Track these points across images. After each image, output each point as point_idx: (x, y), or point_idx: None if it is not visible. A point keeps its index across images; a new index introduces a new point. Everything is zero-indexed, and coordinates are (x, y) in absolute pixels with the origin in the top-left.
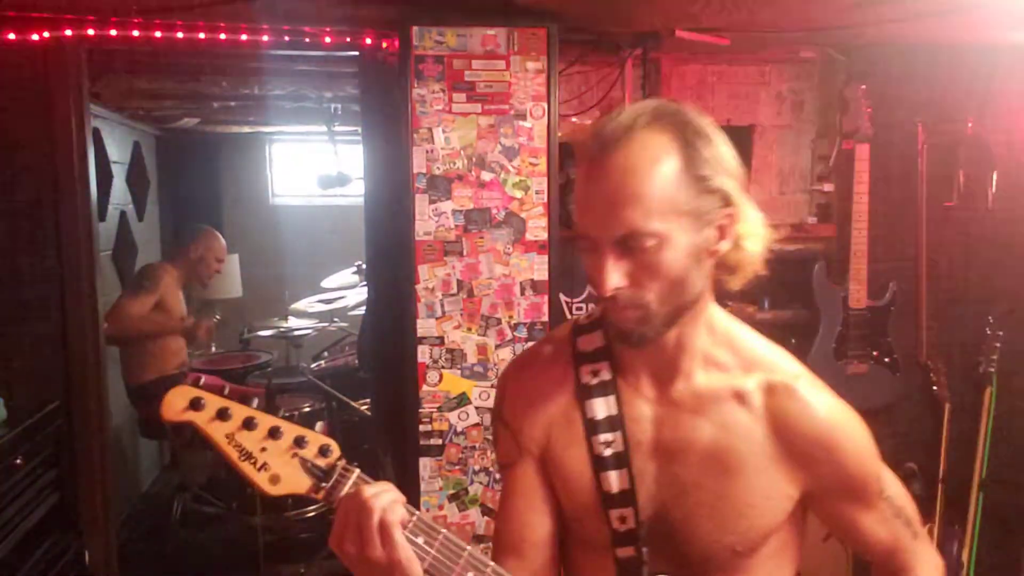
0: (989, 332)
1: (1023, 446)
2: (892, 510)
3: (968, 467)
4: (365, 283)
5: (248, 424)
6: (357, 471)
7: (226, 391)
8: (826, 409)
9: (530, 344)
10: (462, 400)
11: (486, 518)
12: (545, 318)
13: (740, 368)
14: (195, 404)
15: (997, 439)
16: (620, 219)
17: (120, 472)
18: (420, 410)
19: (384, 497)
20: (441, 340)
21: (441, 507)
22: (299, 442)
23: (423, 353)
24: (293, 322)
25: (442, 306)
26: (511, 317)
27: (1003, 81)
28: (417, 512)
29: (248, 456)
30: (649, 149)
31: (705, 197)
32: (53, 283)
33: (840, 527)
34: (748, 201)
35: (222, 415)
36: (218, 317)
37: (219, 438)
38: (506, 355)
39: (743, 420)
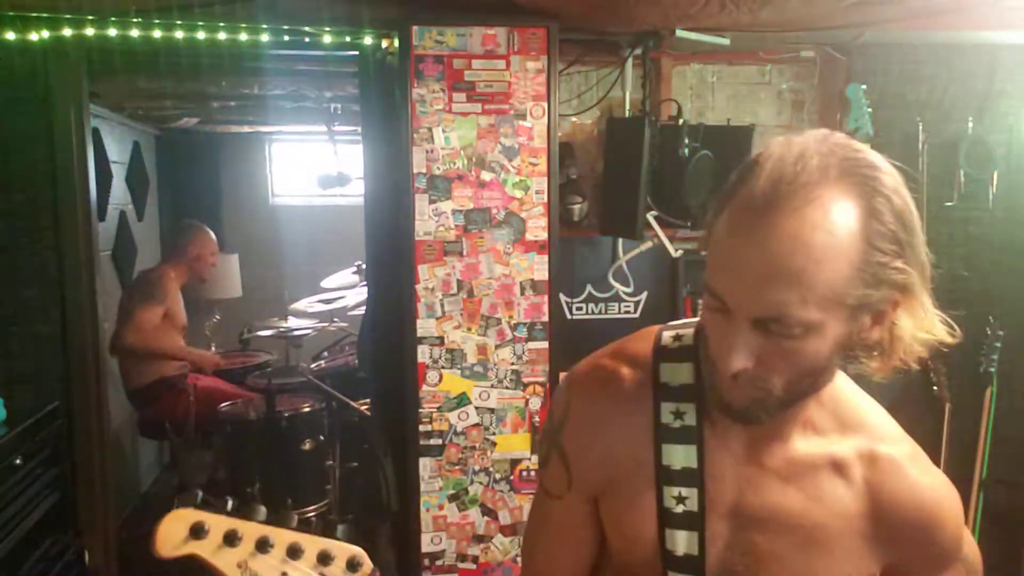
0: (989, 332)
1: (1023, 446)
2: (966, 569)
3: (968, 467)
4: (365, 283)
5: (262, 546)
6: None
7: (229, 507)
8: (931, 489)
9: (601, 360)
10: (462, 400)
11: (486, 518)
12: (545, 318)
13: (837, 430)
14: (197, 531)
15: (997, 439)
16: (771, 299)
17: (120, 472)
18: (420, 410)
19: None
20: (441, 340)
21: (441, 507)
22: (323, 558)
23: (423, 353)
24: (293, 322)
25: (442, 306)
26: (511, 317)
27: (1004, 80)
28: None
29: None
30: (829, 220)
31: (877, 287)
32: (53, 283)
33: None
34: (924, 290)
35: (230, 540)
36: (217, 318)
37: (231, 570)
38: (506, 355)
39: (839, 494)
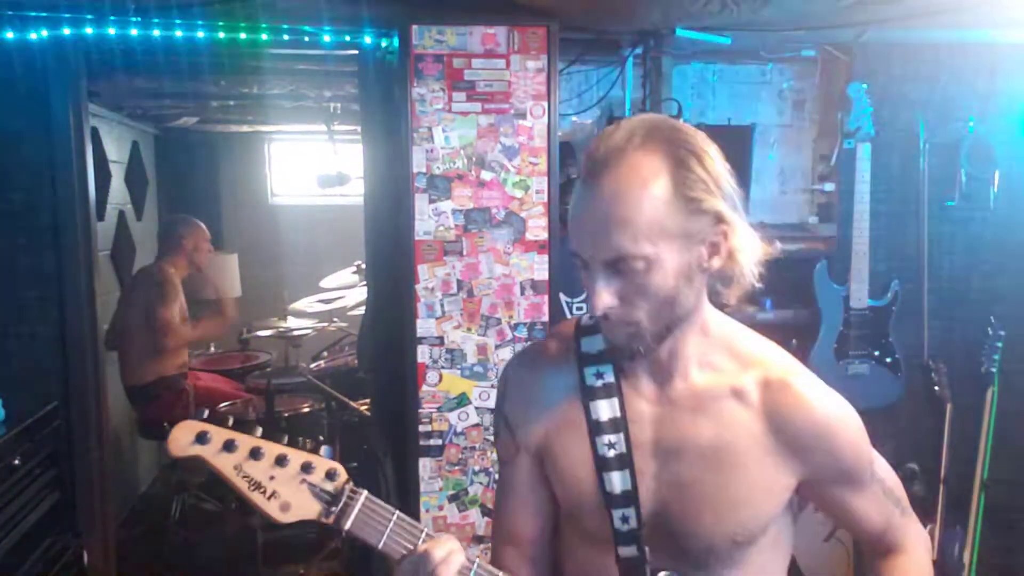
0: (991, 332)
1: None
2: (883, 491)
3: (970, 467)
4: (365, 283)
5: (255, 454)
6: (365, 493)
7: (230, 422)
8: (821, 401)
9: (533, 341)
10: (462, 400)
11: (486, 519)
12: (545, 318)
13: (737, 367)
14: (201, 438)
15: (999, 439)
16: (609, 243)
17: (119, 472)
18: (420, 410)
19: (439, 551)
20: (441, 340)
21: (441, 507)
22: (306, 468)
23: (423, 353)
24: (292, 322)
25: (442, 306)
26: (511, 317)
27: (1005, 80)
28: (477, 560)
29: (257, 486)
30: (640, 172)
31: (696, 218)
32: (52, 283)
33: (834, 510)
34: (741, 217)
35: (228, 447)
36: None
37: (227, 470)
38: (506, 355)
39: (741, 416)
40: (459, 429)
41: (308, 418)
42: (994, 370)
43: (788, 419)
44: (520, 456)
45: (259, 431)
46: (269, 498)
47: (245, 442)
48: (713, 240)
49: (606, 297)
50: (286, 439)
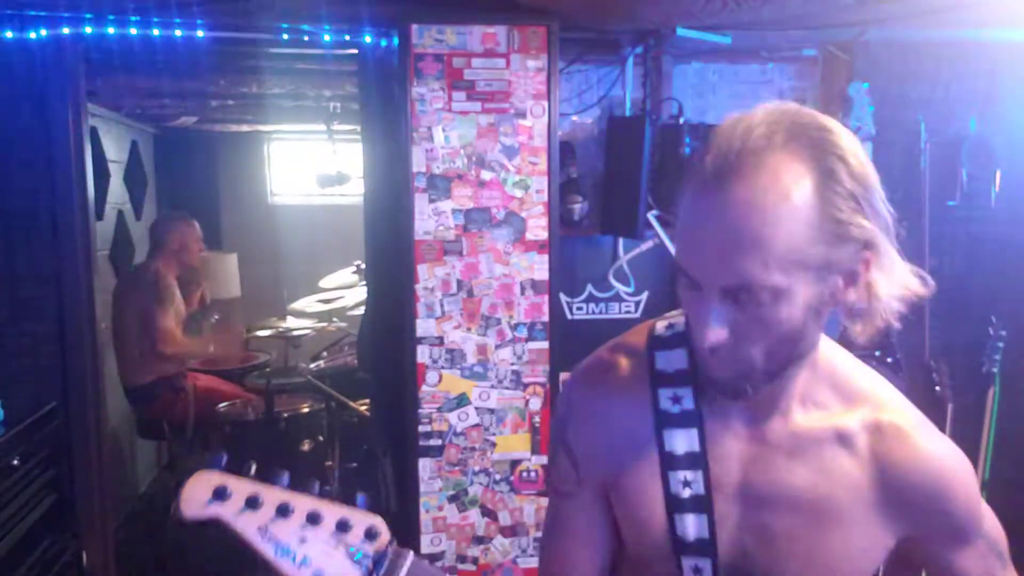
0: (992, 332)
1: None
2: (988, 546)
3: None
4: (364, 283)
5: (283, 511)
6: (411, 554)
7: (252, 471)
8: (937, 455)
9: (598, 356)
10: (462, 400)
11: (486, 519)
12: (545, 318)
13: (842, 404)
14: (220, 494)
15: (1000, 440)
16: (734, 268)
17: (118, 472)
18: (419, 410)
19: None
20: (441, 340)
21: (441, 508)
22: (342, 526)
23: (423, 353)
24: (292, 322)
25: (442, 306)
26: (511, 317)
27: (1006, 79)
28: None
29: (286, 552)
30: (781, 182)
31: (841, 246)
32: (50, 283)
33: (933, 566)
34: (891, 242)
35: (252, 504)
36: (217, 317)
37: (251, 534)
38: (506, 355)
39: (845, 465)
40: (459, 429)
41: (308, 418)
42: (995, 370)
43: (900, 472)
44: (581, 491)
45: (286, 478)
46: (300, 566)
47: (271, 497)
48: (854, 269)
49: (719, 330)
50: (317, 487)
